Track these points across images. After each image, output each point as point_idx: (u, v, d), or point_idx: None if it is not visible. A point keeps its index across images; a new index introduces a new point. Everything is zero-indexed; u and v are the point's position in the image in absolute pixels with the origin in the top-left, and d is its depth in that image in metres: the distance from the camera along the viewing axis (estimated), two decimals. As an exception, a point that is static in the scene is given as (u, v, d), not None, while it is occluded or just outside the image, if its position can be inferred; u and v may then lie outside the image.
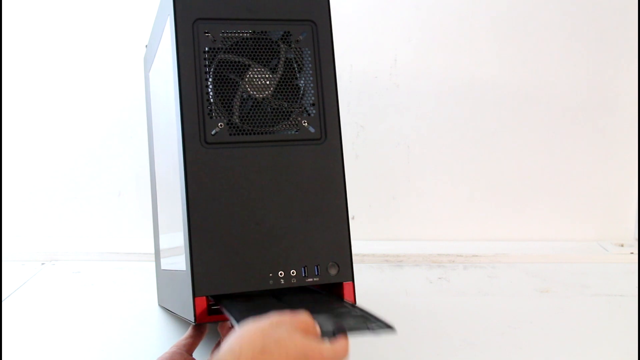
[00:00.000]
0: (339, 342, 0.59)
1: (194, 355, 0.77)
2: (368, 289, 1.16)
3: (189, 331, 0.78)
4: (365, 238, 1.44)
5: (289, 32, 0.78)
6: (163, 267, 0.99)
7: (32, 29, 1.41)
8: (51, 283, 1.20)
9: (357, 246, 1.36)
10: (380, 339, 0.94)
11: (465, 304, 1.09)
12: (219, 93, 0.75)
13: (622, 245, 1.40)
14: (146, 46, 1.06)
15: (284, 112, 0.77)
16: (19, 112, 1.43)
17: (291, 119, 0.77)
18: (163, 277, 0.99)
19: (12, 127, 1.43)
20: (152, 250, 1.09)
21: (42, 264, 1.31)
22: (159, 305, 1.07)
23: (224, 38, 0.75)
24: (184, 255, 0.75)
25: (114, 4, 1.40)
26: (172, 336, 0.95)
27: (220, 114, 0.74)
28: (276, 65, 0.77)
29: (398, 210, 1.47)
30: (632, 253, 1.35)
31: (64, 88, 1.43)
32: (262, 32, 0.77)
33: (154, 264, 1.10)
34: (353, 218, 1.43)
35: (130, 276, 1.24)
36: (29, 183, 1.45)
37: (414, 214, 1.47)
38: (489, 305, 1.08)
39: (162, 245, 1.00)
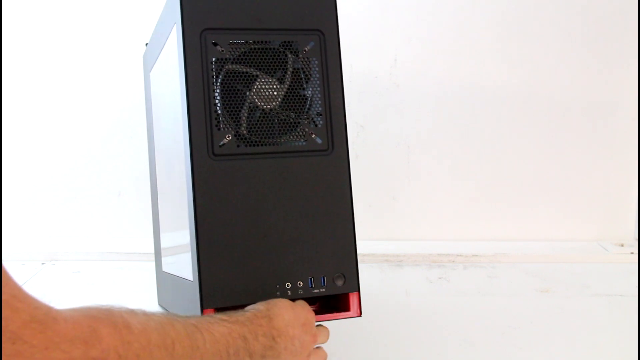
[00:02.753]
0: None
1: None
2: (368, 289, 1.15)
3: None
4: (365, 238, 1.43)
5: (296, 42, 0.77)
6: (164, 267, 0.99)
7: (32, 29, 1.41)
8: (51, 283, 1.20)
9: (357, 246, 1.37)
10: (381, 339, 0.94)
11: (465, 304, 1.09)
12: (227, 104, 0.74)
13: (622, 245, 1.40)
14: (146, 44, 1.05)
15: (291, 123, 0.76)
16: (19, 112, 1.43)
17: (298, 130, 0.76)
18: (165, 278, 0.99)
19: (13, 128, 1.43)
20: (152, 250, 1.09)
21: (42, 264, 1.31)
22: (159, 304, 1.07)
23: (231, 48, 0.75)
24: (186, 256, 0.75)
25: (114, 3, 1.40)
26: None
27: (227, 126, 0.74)
28: (284, 75, 0.77)
29: (398, 210, 1.47)
30: (632, 253, 1.35)
31: (64, 88, 1.43)
32: (269, 42, 0.77)
33: (154, 264, 1.10)
34: (353, 218, 1.43)
35: (130, 276, 1.24)
36: (30, 183, 1.45)
37: (414, 214, 1.47)
38: (489, 305, 1.08)
39: (163, 245, 1.00)
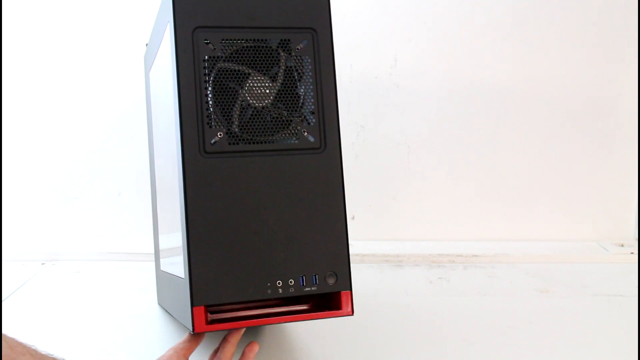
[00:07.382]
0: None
1: (190, 359, 0.77)
2: (368, 289, 1.16)
3: (186, 336, 0.78)
4: (365, 238, 1.44)
5: (289, 40, 0.77)
6: (162, 267, 0.99)
7: (33, 29, 1.41)
8: (51, 283, 1.20)
9: (357, 246, 1.37)
10: (380, 339, 0.94)
11: (465, 304, 1.09)
12: (219, 102, 0.74)
13: (622, 245, 1.40)
14: (147, 45, 1.06)
15: (283, 120, 0.76)
16: (20, 112, 1.43)
17: (291, 127, 0.76)
18: (162, 277, 0.99)
19: (13, 127, 1.43)
20: (152, 250, 1.09)
21: (42, 264, 1.31)
22: (158, 304, 1.07)
23: (223, 46, 0.75)
24: (181, 257, 0.75)
25: (115, 4, 1.40)
26: (172, 336, 0.95)
27: (219, 123, 0.74)
28: (276, 73, 0.77)
29: (398, 210, 1.47)
30: (632, 253, 1.35)
31: (64, 88, 1.43)
32: (262, 40, 0.76)
33: (154, 264, 1.10)
34: (353, 218, 1.43)
35: (130, 276, 1.24)
36: (29, 183, 1.45)
37: (414, 214, 1.47)
38: (489, 305, 1.08)
39: (162, 245, 1.00)
